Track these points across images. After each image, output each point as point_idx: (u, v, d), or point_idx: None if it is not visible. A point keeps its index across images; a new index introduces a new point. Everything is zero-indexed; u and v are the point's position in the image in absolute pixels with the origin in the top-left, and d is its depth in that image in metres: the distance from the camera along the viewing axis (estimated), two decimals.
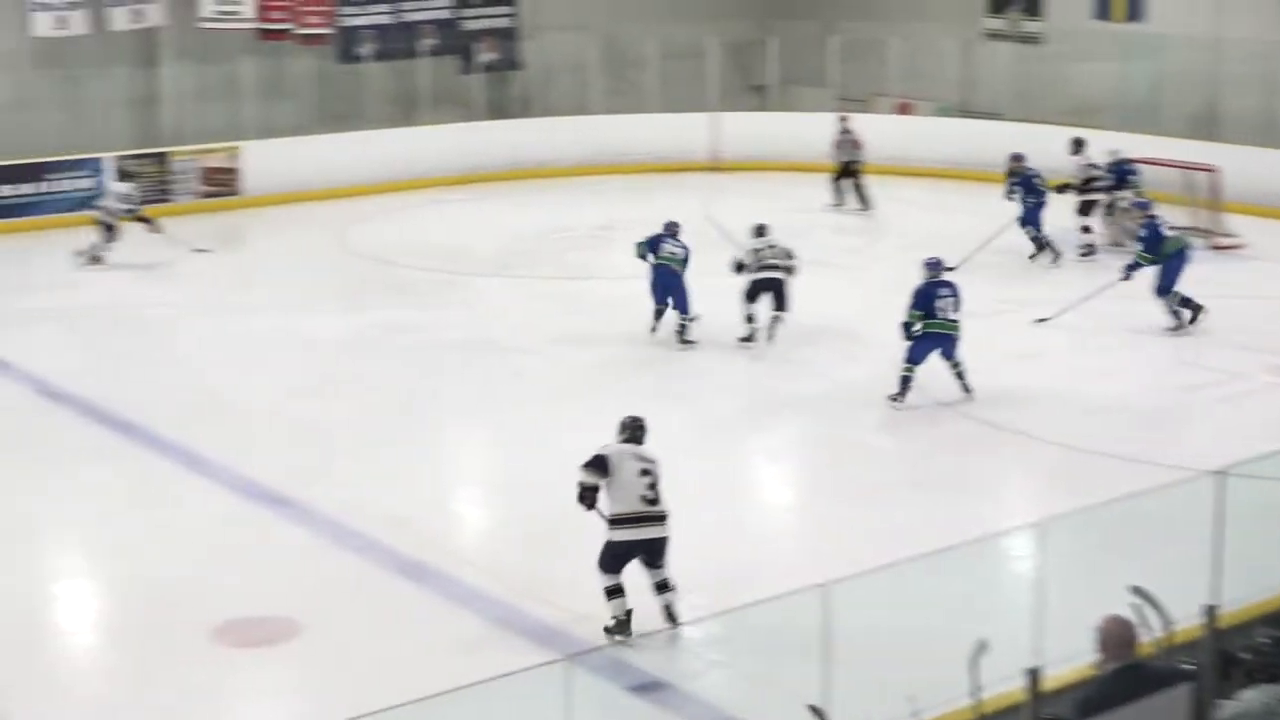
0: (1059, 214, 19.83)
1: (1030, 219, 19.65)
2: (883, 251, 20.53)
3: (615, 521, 9.73)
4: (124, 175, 22.77)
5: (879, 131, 24.42)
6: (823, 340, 16.22)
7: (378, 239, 21.87)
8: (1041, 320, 16.67)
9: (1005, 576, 9.10)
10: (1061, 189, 19.98)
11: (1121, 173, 20.15)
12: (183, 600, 10.30)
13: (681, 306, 16.12)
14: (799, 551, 11.05)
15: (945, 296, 14.24)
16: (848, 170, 23.34)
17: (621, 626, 9.70)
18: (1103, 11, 25.55)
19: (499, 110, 27.98)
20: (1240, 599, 7.86)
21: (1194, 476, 7.84)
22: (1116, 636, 6.40)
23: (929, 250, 15.20)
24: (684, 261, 16.18)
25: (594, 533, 10.85)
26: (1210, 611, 7.25)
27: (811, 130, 24.77)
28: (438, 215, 23.70)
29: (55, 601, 10.74)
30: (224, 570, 10.80)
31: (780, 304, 15.97)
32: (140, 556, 11.05)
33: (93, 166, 23.08)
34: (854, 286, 18.57)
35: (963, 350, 14.20)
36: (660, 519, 9.80)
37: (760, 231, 16.43)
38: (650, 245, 16.27)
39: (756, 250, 16.17)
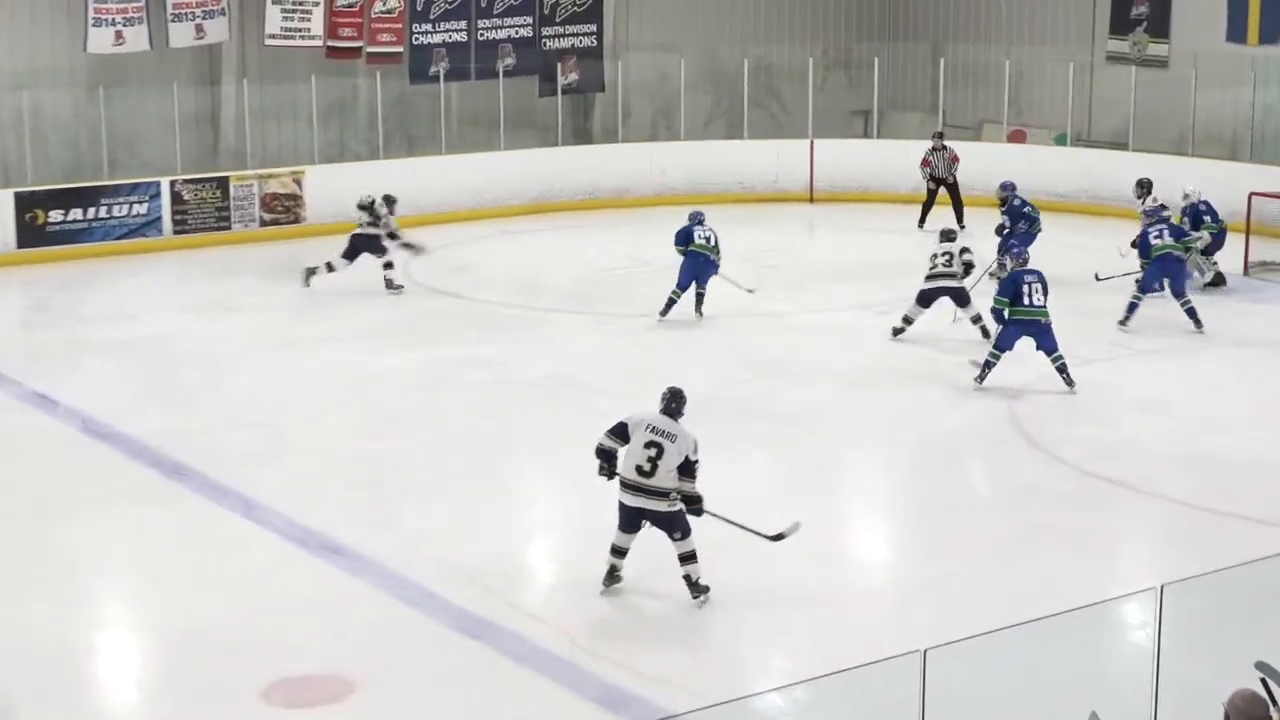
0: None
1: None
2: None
3: (620, 483, 10.96)
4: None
5: (989, 161, 24.31)
6: (930, 379, 16.15)
7: (449, 270, 22.02)
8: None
9: (1122, 645, 8.94)
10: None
11: (1196, 214, 19.86)
12: (231, 654, 10.30)
13: (704, 283, 18.68)
14: (898, 612, 10.90)
15: (1031, 283, 15.53)
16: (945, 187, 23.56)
17: (608, 579, 11.05)
18: (1237, 33, 25.27)
19: (580, 135, 28.12)
20: None
21: None
22: (1246, 715, 6.27)
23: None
24: (714, 247, 18.65)
25: (670, 594, 10.84)
26: None
27: (918, 159, 24.70)
28: (513, 246, 23.81)
29: (99, 652, 10.78)
30: (276, 623, 10.81)
31: (961, 305, 17.59)
32: (189, 606, 11.07)
33: (149, 190, 23.41)
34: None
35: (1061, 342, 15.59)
36: (650, 492, 10.79)
37: (946, 236, 17.81)
38: (683, 237, 18.63)
39: (932, 256, 17.64)
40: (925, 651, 6.69)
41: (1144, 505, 12.94)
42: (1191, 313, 17.77)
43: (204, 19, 24.77)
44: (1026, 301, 15.42)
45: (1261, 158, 23.58)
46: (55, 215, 22.71)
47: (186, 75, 25.20)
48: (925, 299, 17.60)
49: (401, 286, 20.53)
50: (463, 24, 26.85)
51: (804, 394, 15.83)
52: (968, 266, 17.64)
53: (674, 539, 10.86)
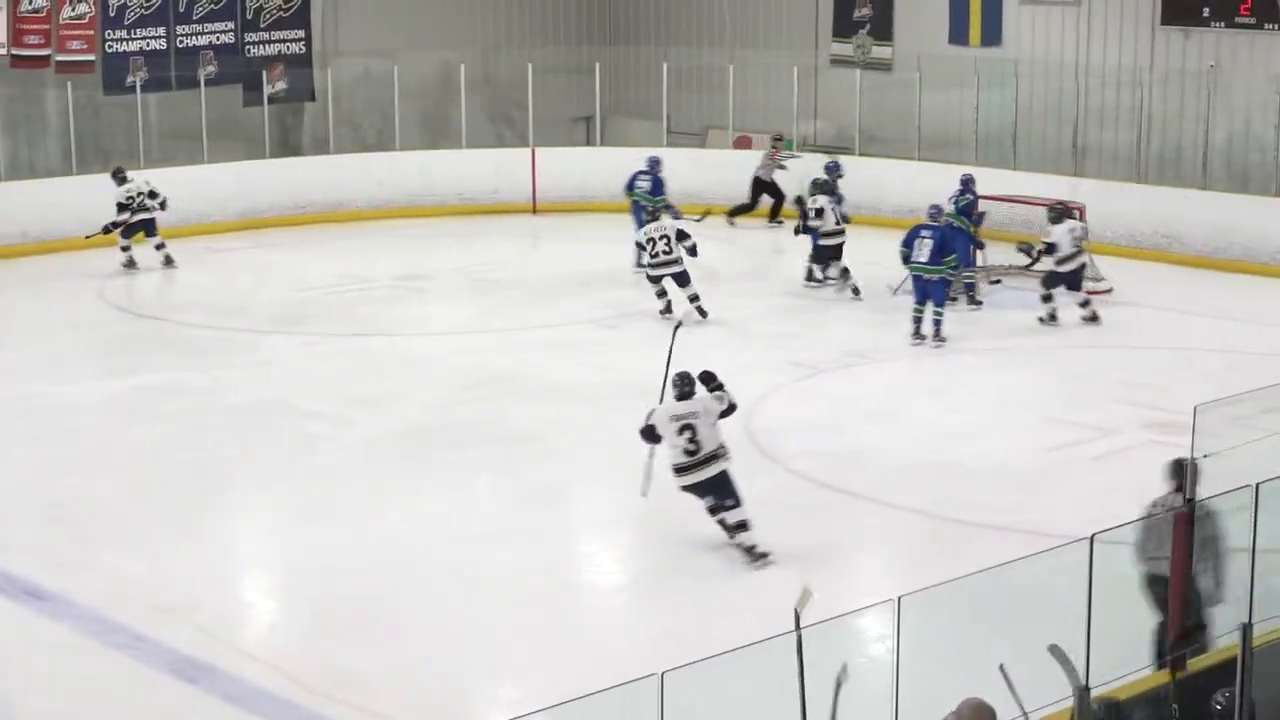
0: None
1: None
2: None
3: (674, 470, 12.24)
4: None
5: (716, 166, 24.72)
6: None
7: (145, 291, 21.69)
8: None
9: (859, 659, 9.11)
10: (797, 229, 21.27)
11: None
12: None
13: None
14: (631, 637, 10.97)
15: (924, 238, 18.33)
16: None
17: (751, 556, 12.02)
18: (959, 35, 26.13)
19: (288, 147, 27.81)
20: (1113, 678, 7.94)
21: (1064, 544, 7.92)
22: None
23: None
24: (651, 193, 22.16)
25: (400, 624, 10.80)
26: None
27: (640, 167, 24.96)
28: (216, 264, 23.44)
29: None
30: None
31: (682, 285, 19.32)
32: None
33: None
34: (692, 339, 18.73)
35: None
36: (704, 461, 12.16)
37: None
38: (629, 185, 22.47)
39: (651, 241, 19.21)
40: (663, 674, 6.74)
41: (882, 516, 13.21)
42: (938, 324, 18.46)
43: None
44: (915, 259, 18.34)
45: (986, 160, 24.34)
46: None
47: None
48: (653, 282, 19.23)
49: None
50: (160, 30, 26.39)
51: (527, 414, 15.85)
52: (691, 250, 19.14)
53: (727, 506, 12.12)
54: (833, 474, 13.91)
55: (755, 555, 11.97)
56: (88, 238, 22.30)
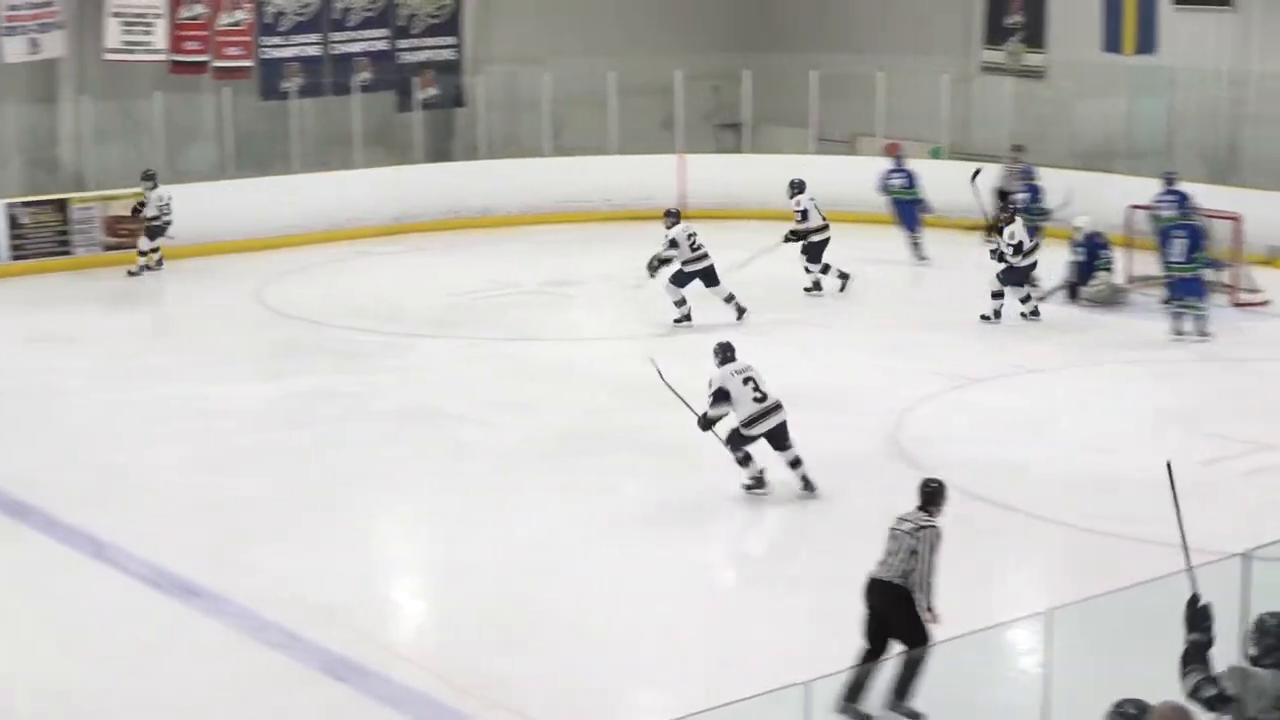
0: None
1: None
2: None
3: (745, 424, 13.34)
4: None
5: (865, 175, 24.55)
6: (815, 401, 16.27)
7: (301, 296, 21.92)
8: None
9: (1009, 672, 9.08)
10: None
11: (1093, 246, 20.80)
12: (79, 708, 10.17)
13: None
14: (779, 645, 10.97)
15: (1177, 237, 18.80)
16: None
17: (758, 483, 13.56)
18: (1112, 43, 25.77)
19: (438, 153, 28.07)
20: None
21: (1217, 560, 7.82)
22: None
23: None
24: (907, 187, 23.39)
25: (548, 628, 10.90)
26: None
27: (789, 174, 24.90)
28: (369, 269, 23.70)
29: None
30: (127, 671, 10.66)
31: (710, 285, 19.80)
32: (31, 657, 10.91)
33: None
34: (839, 348, 18.73)
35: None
36: (774, 409, 13.41)
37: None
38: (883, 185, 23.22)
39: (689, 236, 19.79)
40: (809, 684, 6.76)
41: (1033, 529, 13.11)
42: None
43: (39, 32, 24.44)
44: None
45: (1137, 170, 23.99)
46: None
47: (21, 92, 24.84)
48: (681, 281, 19.56)
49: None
50: (315, 37, 26.74)
51: (676, 422, 15.86)
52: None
53: (785, 448, 13.52)
54: (984, 485, 13.76)
55: (810, 485, 13.55)
56: (142, 254, 22.78)
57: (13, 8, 24.04)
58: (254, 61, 26.18)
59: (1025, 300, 19.71)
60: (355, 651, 10.74)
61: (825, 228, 21.14)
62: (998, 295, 19.53)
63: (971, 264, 21.23)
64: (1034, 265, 19.76)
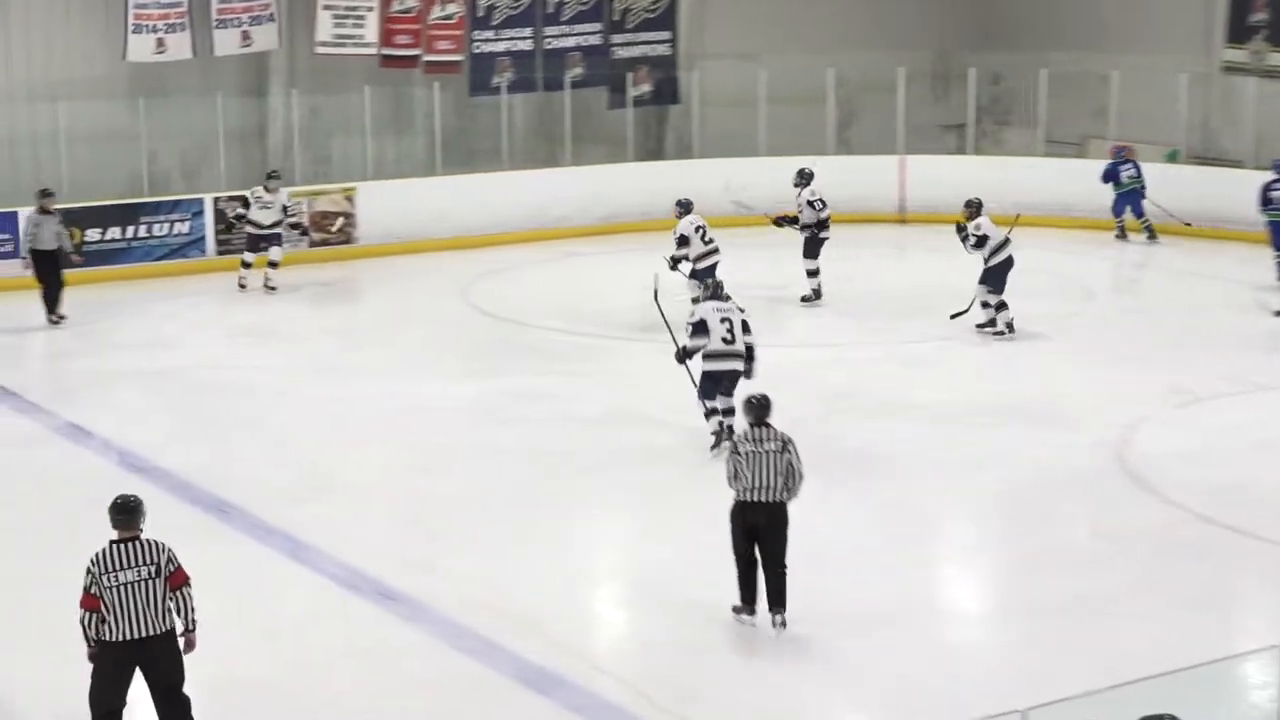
0: None
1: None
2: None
3: (706, 356, 14.89)
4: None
5: (1093, 179, 24.22)
6: (1023, 415, 16.05)
7: (507, 295, 22.16)
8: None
9: (1241, 708, 8.83)
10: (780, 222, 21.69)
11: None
12: (277, 708, 10.34)
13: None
14: (994, 671, 10.81)
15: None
16: None
17: (718, 440, 14.80)
18: None
19: (650, 151, 28.18)
20: None
21: None
22: None
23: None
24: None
25: (746, 642, 10.85)
26: None
27: (1015, 177, 24.63)
28: (576, 269, 23.89)
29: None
30: (320, 674, 10.84)
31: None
32: (231, 656, 11.06)
33: (192, 208, 23.66)
34: (1061, 359, 18.43)
35: None
36: (736, 355, 14.83)
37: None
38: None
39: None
40: (1026, 712, 6.64)
41: (1267, 554, 12.75)
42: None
43: (251, 25, 24.96)
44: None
45: None
46: (92, 234, 22.95)
47: (232, 86, 25.39)
48: (700, 276, 19.50)
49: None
50: (527, 31, 26.95)
51: (883, 432, 15.75)
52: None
53: (729, 394, 14.85)
54: (1214, 507, 13.48)
55: (721, 440, 14.67)
56: (245, 265, 22.61)
57: (225, 1, 24.60)
58: (465, 56, 26.47)
59: (997, 311, 19.29)
60: (552, 661, 10.79)
61: (827, 224, 21.14)
62: (993, 305, 19.27)
63: (1209, 273, 20.84)
64: (1008, 265, 19.30)
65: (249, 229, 22.34)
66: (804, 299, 21.09)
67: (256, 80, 25.78)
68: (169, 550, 9.43)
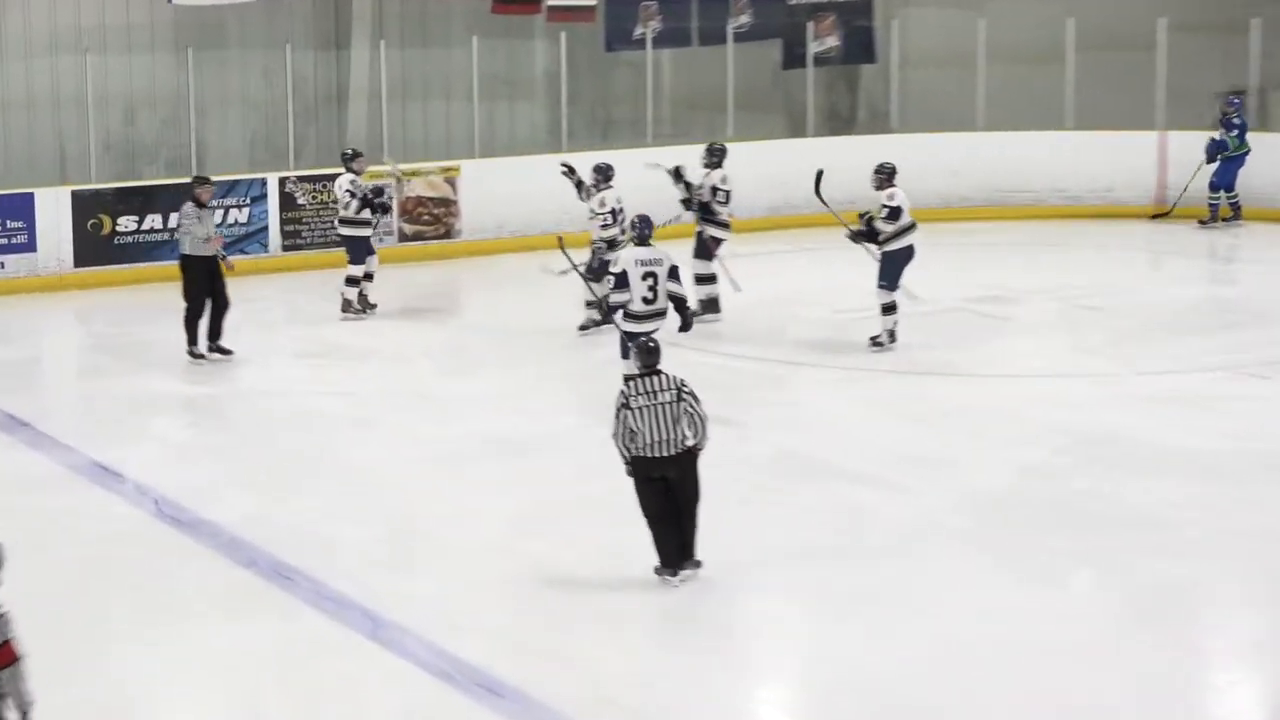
0: None
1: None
2: None
3: (626, 315, 16.91)
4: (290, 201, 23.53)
5: None
6: None
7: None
8: None
9: None
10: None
11: None
12: None
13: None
14: None
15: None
16: None
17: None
18: None
19: (836, 123, 28.08)
20: None
21: None
22: None
23: None
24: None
25: None
26: None
27: None
28: (740, 272, 23.56)
29: None
30: None
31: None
32: None
33: (251, 191, 24.06)
34: None
35: None
36: (658, 315, 16.97)
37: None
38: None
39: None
40: None
41: None
42: None
43: None
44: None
45: None
46: (125, 223, 23.33)
47: (304, 38, 25.64)
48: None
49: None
50: None
51: (1144, 490, 15.54)
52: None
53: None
54: None
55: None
56: (352, 283, 22.06)
57: None
58: (600, 2, 26.49)
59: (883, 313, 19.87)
60: None
61: (728, 225, 21.32)
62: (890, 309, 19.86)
63: None
64: (907, 256, 19.82)
65: (347, 230, 21.75)
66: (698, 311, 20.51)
67: (335, 31, 25.95)
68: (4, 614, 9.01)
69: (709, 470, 15.08)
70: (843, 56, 28.17)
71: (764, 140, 26.82)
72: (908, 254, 19.68)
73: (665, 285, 16.88)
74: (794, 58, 27.65)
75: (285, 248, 23.91)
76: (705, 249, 21.21)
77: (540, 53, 26.71)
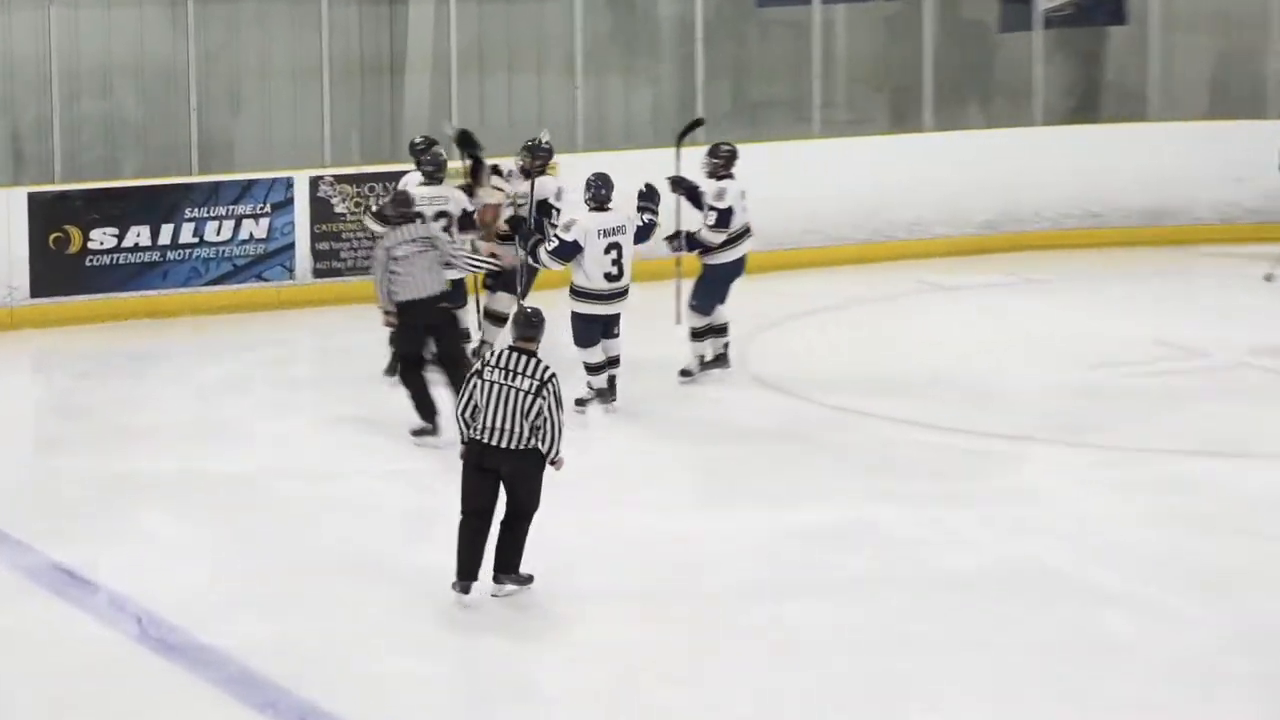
0: None
1: None
2: None
3: (579, 294, 19.26)
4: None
5: None
6: None
7: (814, 355, 22.80)
8: None
9: None
10: None
11: None
12: None
13: None
14: None
15: None
16: None
17: (604, 395, 19.87)
18: None
19: (1071, 106, 28.07)
20: None
21: None
22: None
23: None
24: None
25: None
26: None
27: None
28: (934, 313, 24.38)
29: None
30: None
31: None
32: None
33: (272, 194, 24.27)
34: None
35: None
36: (621, 295, 19.32)
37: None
38: None
39: None
40: None
41: None
42: None
43: None
44: None
45: None
46: (101, 237, 23.47)
47: None
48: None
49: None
50: None
51: None
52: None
53: (614, 335, 19.68)
54: None
55: (612, 388, 19.88)
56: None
57: None
58: None
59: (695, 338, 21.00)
60: None
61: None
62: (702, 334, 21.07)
63: None
64: (737, 271, 20.89)
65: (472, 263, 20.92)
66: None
67: None
68: None
69: (915, 570, 15.24)
70: (1083, 15, 28.10)
71: (973, 130, 27.09)
72: (735, 269, 20.56)
73: (630, 253, 19.12)
74: (1015, 18, 27.65)
75: (317, 273, 23.93)
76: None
77: (667, 9, 26.76)
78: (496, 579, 14.75)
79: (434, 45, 25.92)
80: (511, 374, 14.28)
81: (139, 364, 21.86)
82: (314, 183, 24.12)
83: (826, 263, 25.26)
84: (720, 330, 21.03)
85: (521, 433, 14.27)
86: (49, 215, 23.15)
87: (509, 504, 14.60)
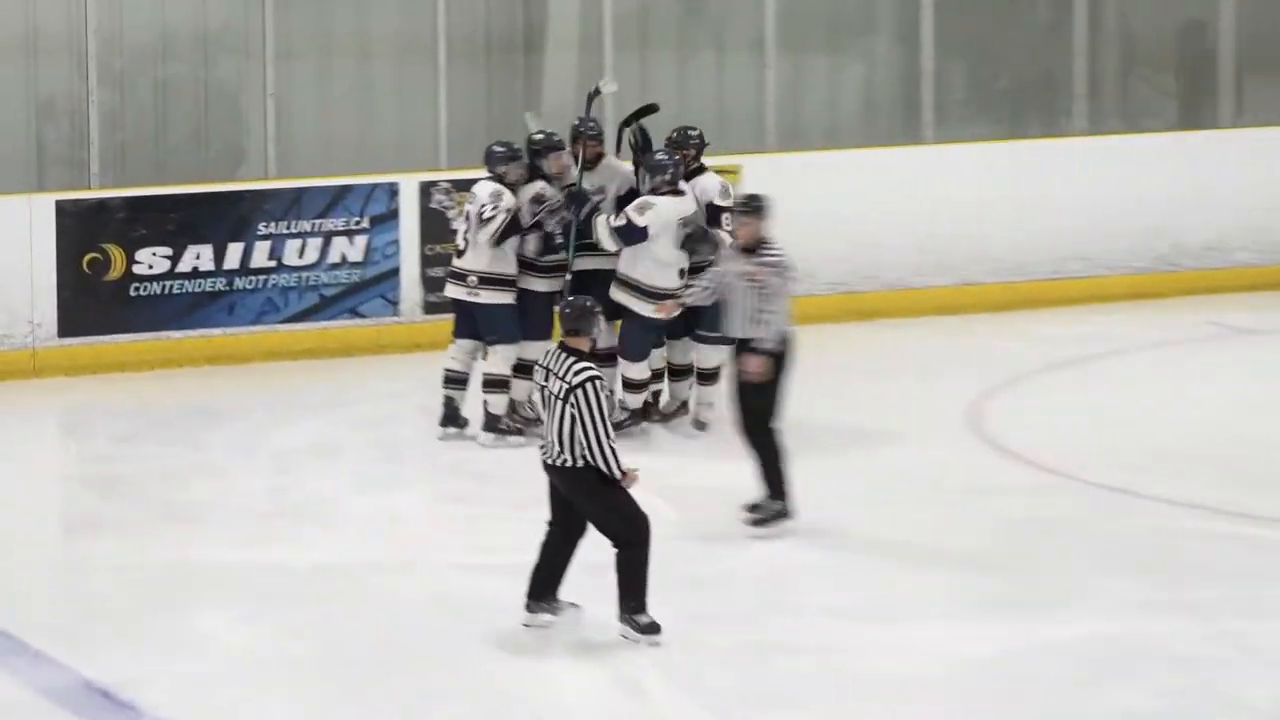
0: None
1: None
2: None
3: (641, 294, 20.32)
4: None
5: None
6: None
7: (1072, 417, 23.06)
8: None
9: None
10: None
11: None
12: None
13: None
14: None
15: None
16: None
17: (640, 417, 21.55)
18: None
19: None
20: None
21: None
22: None
23: None
24: None
25: None
26: None
27: None
28: (1242, 362, 24.82)
29: None
30: None
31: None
32: None
33: (372, 204, 24.47)
34: None
35: None
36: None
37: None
38: None
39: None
40: None
41: None
42: None
43: None
44: None
45: None
46: (149, 259, 23.48)
47: None
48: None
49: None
50: None
51: None
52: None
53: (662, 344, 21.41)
54: None
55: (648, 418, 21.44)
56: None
57: None
58: None
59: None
60: None
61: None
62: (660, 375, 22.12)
63: None
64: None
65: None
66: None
67: None
68: None
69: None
70: None
71: (1117, 136, 27.34)
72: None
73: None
74: None
75: (429, 307, 23.77)
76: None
77: None
78: (620, 617, 15.42)
79: (581, 16, 25.87)
80: (549, 375, 14.96)
81: (196, 424, 21.97)
82: (425, 189, 24.09)
83: (1091, 298, 25.42)
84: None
85: (560, 448, 14.98)
86: (83, 230, 23.29)
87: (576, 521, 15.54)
